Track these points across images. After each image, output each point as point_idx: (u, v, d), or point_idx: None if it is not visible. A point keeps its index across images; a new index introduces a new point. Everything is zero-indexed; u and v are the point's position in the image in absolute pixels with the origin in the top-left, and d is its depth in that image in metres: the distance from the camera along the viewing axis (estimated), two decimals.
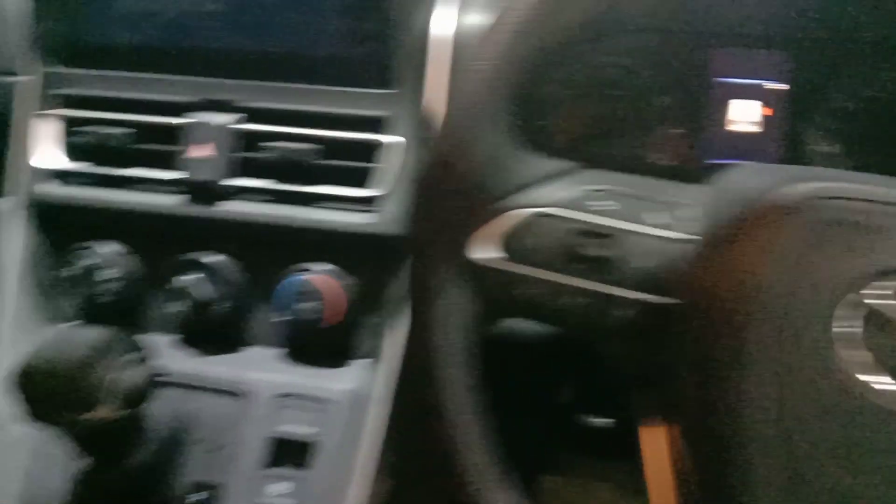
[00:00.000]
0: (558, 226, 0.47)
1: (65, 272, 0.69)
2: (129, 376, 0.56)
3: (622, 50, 0.71)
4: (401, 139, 0.67)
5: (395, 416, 0.65)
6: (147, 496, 0.65)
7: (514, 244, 0.48)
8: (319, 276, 0.67)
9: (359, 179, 0.67)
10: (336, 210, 0.67)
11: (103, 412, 0.54)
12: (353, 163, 0.67)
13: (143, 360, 0.59)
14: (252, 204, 0.68)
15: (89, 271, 0.69)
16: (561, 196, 0.48)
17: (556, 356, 0.79)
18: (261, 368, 0.68)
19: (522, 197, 0.48)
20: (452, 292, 0.47)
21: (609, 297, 0.47)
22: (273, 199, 0.68)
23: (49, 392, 0.54)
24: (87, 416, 0.54)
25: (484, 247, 0.48)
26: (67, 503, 0.66)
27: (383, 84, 0.67)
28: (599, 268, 0.47)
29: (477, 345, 0.48)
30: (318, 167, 0.67)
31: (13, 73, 0.74)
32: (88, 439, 0.60)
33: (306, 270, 0.67)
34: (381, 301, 0.69)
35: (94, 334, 0.57)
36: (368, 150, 0.67)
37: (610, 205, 0.48)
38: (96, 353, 0.55)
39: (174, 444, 0.66)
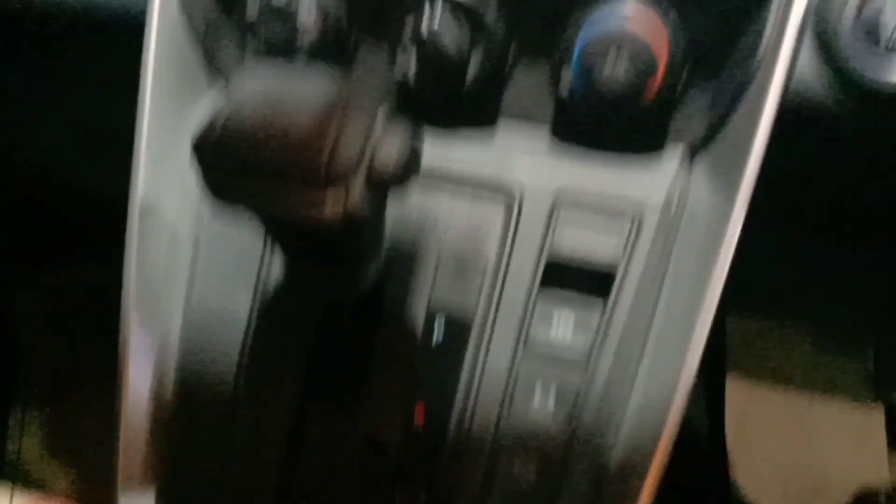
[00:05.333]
0: None
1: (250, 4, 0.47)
2: (389, 144, 0.35)
3: None
4: None
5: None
6: (379, 323, 0.47)
7: None
8: (641, 9, 0.42)
9: None
10: None
11: (352, 197, 0.34)
12: None
13: (398, 122, 0.37)
14: None
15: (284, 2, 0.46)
16: None
17: None
18: (535, 158, 0.46)
19: None
20: None
21: None
22: None
23: (258, 162, 0.34)
24: (327, 204, 0.34)
25: None
26: (256, 324, 0.48)
27: None
28: None
29: None
30: None
31: None
32: (308, 238, 0.40)
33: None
34: (725, 55, 0.44)
35: (327, 76, 0.35)
36: None
37: None
38: (340, 103, 0.34)
39: (414, 257, 0.46)
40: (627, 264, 0.45)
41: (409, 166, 0.36)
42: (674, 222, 0.45)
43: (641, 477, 0.44)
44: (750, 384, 1.08)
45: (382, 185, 0.35)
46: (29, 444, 1.28)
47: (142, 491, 0.51)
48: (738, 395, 1.06)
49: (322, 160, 0.32)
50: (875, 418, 1.08)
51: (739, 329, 1.08)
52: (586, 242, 0.45)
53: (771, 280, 0.84)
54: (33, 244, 1.25)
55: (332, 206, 0.33)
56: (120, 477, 0.50)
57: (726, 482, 1.03)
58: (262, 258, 0.48)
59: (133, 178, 0.49)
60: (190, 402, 0.50)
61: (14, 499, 1.27)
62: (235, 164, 0.34)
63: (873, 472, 1.07)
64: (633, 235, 0.45)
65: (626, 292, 0.45)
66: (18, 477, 1.28)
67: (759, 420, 1.07)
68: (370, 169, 0.34)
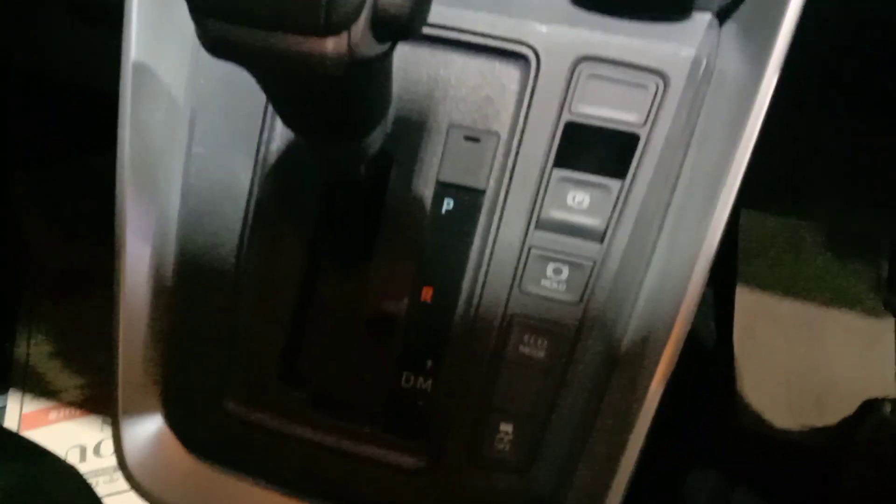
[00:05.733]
0: None
1: None
2: None
3: None
4: None
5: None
6: (386, 194, 0.45)
7: None
8: None
9: None
10: None
11: (355, 39, 0.31)
12: None
13: None
14: None
15: None
16: None
17: None
18: (552, 16, 0.43)
19: None
20: None
21: None
22: None
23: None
24: (329, 46, 0.30)
25: None
26: (258, 197, 0.46)
27: None
28: None
29: None
30: None
31: None
32: (310, 97, 0.37)
33: None
34: None
35: None
36: None
37: None
38: None
39: (421, 127, 0.44)
40: (650, 133, 0.42)
41: (417, 10, 0.32)
42: (701, 87, 0.42)
43: (655, 360, 0.43)
44: (759, 291, 1.06)
45: (388, 32, 0.32)
46: (37, 354, 1.28)
47: (143, 376, 0.50)
48: (747, 301, 1.05)
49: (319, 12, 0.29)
50: (884, 329, 1.07)
51: (750, 234, 1.06)
52: (607, 109, 0.42)
53: (785, 180, 0.81)
54: (33, 138, 1.21)
55: (334, 48, 0.30)
56: (121, 355, 0.49)
57: (732, 389, 1.03)
58: (263, 124, 0.45)
59: (125, 35, 0.46)
60: (191, 281, 0.49)
61: (24, 408, 1.28)
62: (230, 6, 0.31)
63: (879, 383, 1.06)
64: (657, 102, 0.42)
65: (647, 163, 0.42)
66: (28, 387, 1.29)
67: (767, 328, 1.06)
68: (374, 9, 0.31)
